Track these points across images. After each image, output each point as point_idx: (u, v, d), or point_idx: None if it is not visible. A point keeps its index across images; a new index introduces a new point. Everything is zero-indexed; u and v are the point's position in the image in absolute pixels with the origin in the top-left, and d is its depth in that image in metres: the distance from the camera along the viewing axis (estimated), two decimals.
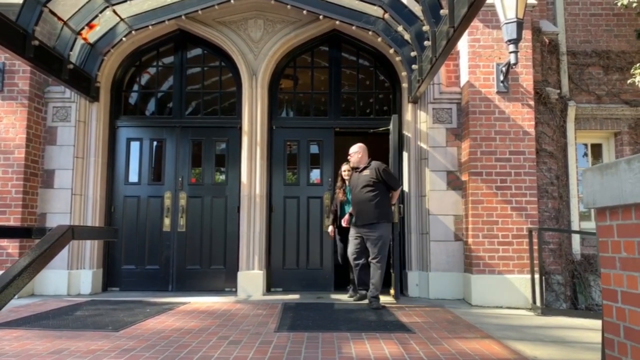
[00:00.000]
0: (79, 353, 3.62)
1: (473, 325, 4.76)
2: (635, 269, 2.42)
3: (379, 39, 6.85)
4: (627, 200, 2.41)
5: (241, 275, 6.86)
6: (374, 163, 5.91)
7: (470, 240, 6.27)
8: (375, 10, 6.54)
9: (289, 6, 6.81)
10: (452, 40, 4.76)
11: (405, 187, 6.86)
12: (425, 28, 5.39)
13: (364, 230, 5.72)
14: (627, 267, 2.50)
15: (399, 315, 5.23)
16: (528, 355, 3.67)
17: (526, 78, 6.48)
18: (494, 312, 5.70)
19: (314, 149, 7.50)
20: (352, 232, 5.90)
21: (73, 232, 1.61)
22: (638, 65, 6.66)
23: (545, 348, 3.92)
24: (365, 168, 5.86)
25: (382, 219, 5.67)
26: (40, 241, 1.54)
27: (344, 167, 6.45)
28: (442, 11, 4.76)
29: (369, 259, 5.72)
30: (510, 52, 5.75)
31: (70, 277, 6.73)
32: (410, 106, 6.99)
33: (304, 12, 6.82)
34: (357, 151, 6.00)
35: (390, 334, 4.33)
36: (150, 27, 6.92)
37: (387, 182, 5.78)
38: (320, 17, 6.91)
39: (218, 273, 7.18)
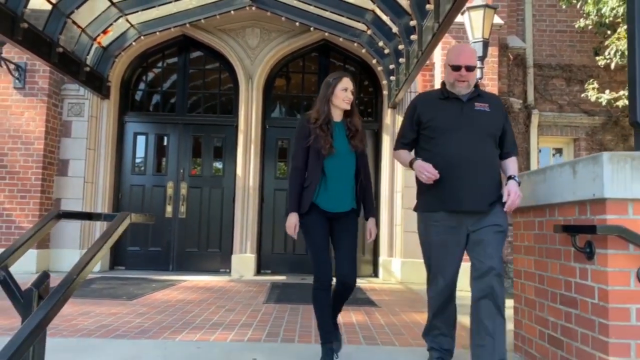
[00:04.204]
0: (103, 315, 4.46)
1: None
2: (530, 254, 3.28)
3: (364, 50, 7.65)
4: (527, 203, 3.25)
5: (235, 258, 7.70)
6: (489, 93, 3.34)
7: None
8: (361, 25, 7.33)
9: (283, 18, 7.57)
10: (421, 60, 5.58)
11: (382, 184, 7.70)
12: (401, 47, 6.20)
13: (473, 220, 2.87)
14: (527, 252, 3.36)
15: (370, 294, 6.09)
16: (468, 324, 4.53)
17: (492, 89, 7.30)
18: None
19: None
20: (441, 228, 2.91)
21: (131, 218, 2.42)
22: (591, 81, 7.51)
23: None
24: (477, 96, 3.01)
25: (500, 201, 2.89)
26: (111, 224, 2.34)
27: (345, 89, 3.15)
28: (412, 36, 5.58)
29: (484, 272, 2.81)
30: (477, 68, 6.59)
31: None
32: (389, 111, 7.81)
33: (297, 23, 7.61)
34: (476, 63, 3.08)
35: (360, 307, 5.19)
36: (157, 33, 7.69)
37: (506, 135, 3.05)
38: (311, 28, 7.69)
39: (214, 255, 8.01)
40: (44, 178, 7.34)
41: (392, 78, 7.02)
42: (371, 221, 3.29)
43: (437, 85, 7.47)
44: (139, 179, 8.15)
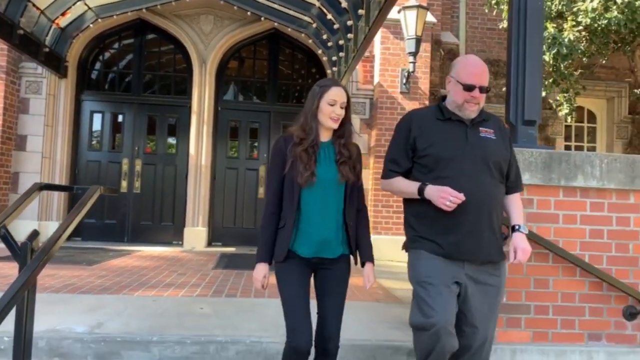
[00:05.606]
0: (67, 277, 5.02)
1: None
2: None
3: (310, 41, 8.28)
4: None
5: (187, 231, 8.30)
6: (491, 115, 2.58)
7: (372, 209, 7.94)
8: (308, 18, 7.94)
9: (235, 7, 8.09)
10: (357, 55, 6.29)
11: None
12: (342, 42, 6.88)
13: (477, 274, 2.41)
14: None
15: None
16: (388, 286, 5.36)
17: (424, 82, 8.10)
18: (383, 263, 7.41)
19: (254, 128, 8.94)
20: (443, 279, 2.35)
21: (101, 190, 3.02)
22: None
23: (404, 284, 5.63)
24: (482, 121, 2.49)
25: (503, 252, 2.52)
26: (85, 195, 2.94)
27: (333, 102, 2.37)
28: (349, 35, 6.26)
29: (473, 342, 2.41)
30: (410, 62, 7.39)
31: (40, 227, 7.90)
32: None
33: (248, 13, 8.13)
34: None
35: None
36: (114, 16, 8.06)
37: (512, 166, 2.57)
38: (262, 18, 8.24)
39: (167, 228, 8.58)
40: (3, 152, 7.67)
41: (335, 69, 7.70)
42: (368, 267, 2.48)
43: (376, 77, 8.22)
44: (95, 155, 8.57)
